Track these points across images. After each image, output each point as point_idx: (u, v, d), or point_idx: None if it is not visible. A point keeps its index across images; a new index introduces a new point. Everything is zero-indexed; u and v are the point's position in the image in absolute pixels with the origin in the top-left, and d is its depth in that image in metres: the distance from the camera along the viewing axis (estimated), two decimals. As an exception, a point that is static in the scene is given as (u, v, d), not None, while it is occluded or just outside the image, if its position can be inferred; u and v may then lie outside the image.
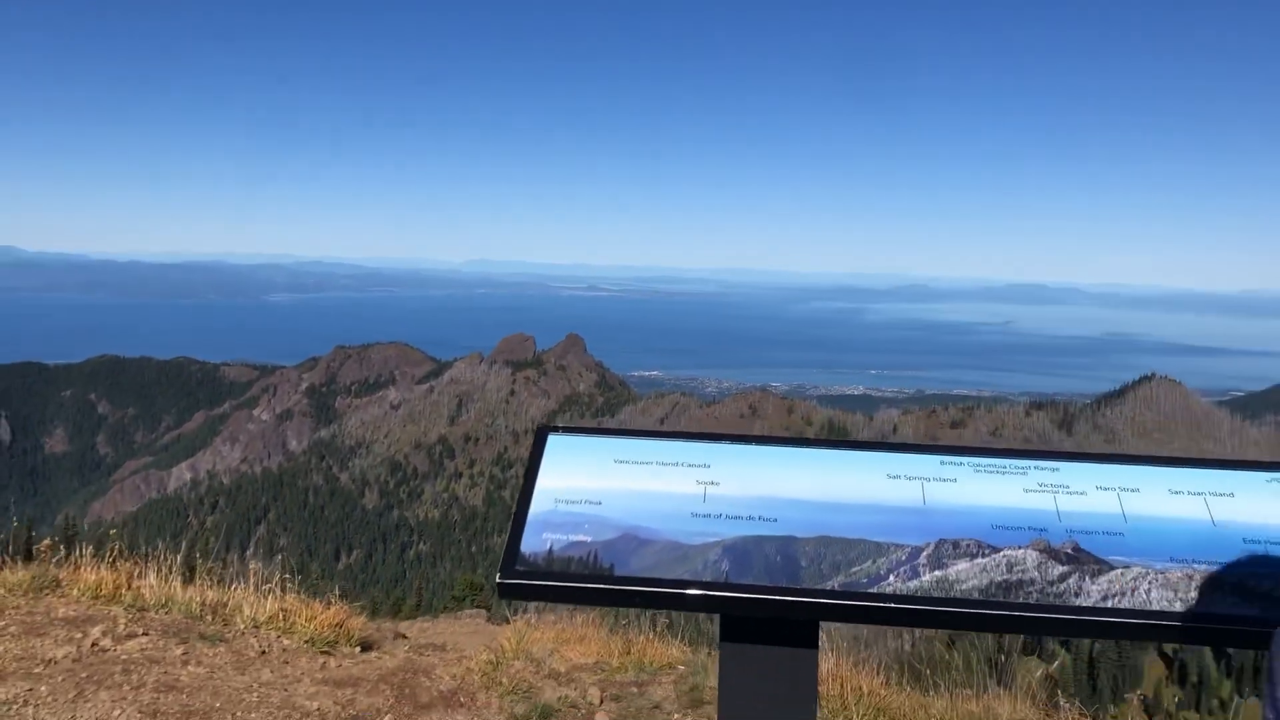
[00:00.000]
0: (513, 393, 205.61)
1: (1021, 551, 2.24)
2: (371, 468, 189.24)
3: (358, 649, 7.93)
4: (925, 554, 2.25)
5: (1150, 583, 2.16)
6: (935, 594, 2.16)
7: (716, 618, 2.41)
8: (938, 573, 2.21)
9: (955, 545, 2.27)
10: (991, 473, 2.44)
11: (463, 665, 7.03)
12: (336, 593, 8.24)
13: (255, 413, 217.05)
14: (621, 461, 2.49)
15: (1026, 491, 2.38)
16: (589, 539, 2.30)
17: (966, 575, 2.20)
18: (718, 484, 2.42)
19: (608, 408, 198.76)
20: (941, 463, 2.47)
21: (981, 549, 2.25)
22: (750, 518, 2.33)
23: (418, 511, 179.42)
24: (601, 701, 6.51)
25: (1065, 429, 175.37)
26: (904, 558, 2.24)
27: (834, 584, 2.19)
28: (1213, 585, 2.14)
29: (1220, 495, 2.34)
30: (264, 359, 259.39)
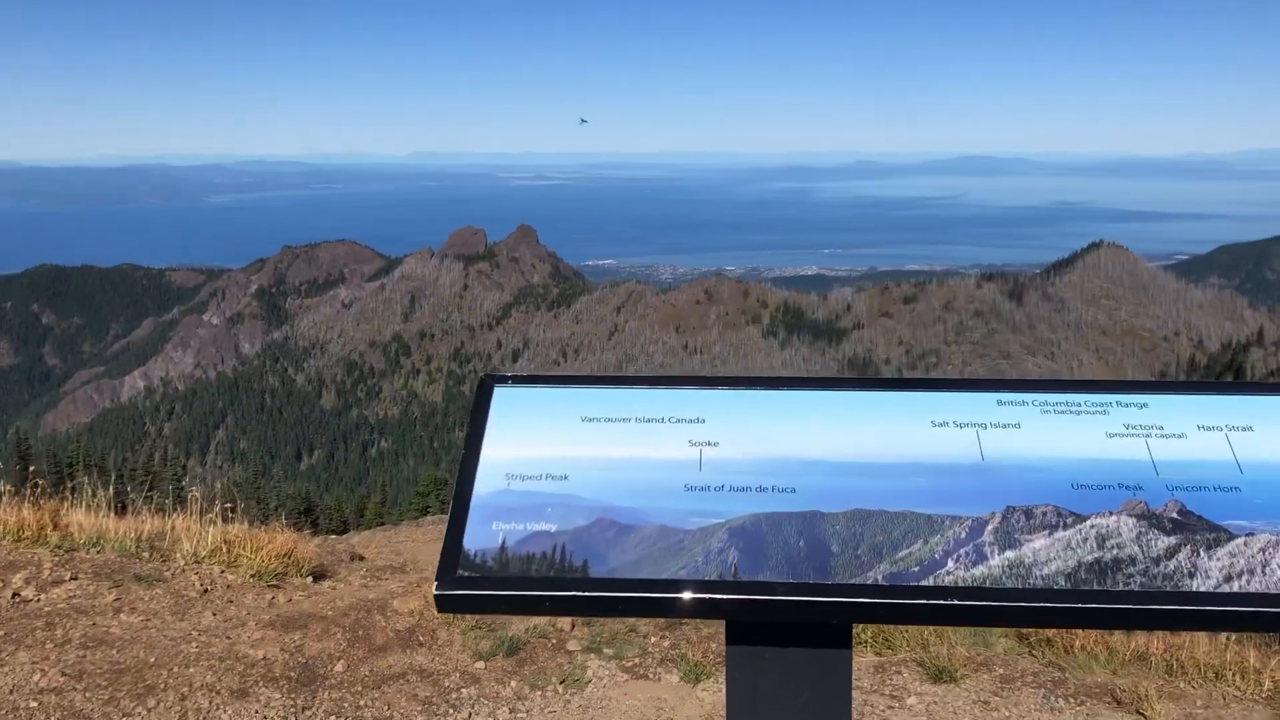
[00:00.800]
0: (466, 287, 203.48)
1: (1114, 519, 1.73)
2: (327, 368, 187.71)
3: (309, 579, 7.44)
4: (991, 528, 1.73)
5: (1284, 555, 1.66)
6: (1009, 583, 1.65)
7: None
8: (1009, 553, 1.69)
9: (1028, 514, 1.75)
10: (1063, 413, 1.91)
11: (421, 595, 6.57)
12: (284, 520, 7.69)
13: (205, 317, 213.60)
14: (591, 419, 1.93)
15: (1111, 436, 1.86)
16: (553, 528, 1.76)
17: (1046, 555, 1.69)
18: (717, 444, 1.88)
19: (563, 299, 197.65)
20: (999, 402, 1.94)
21: (1062, 518, 1.74)
22: (761, 489, 1.79)
23: (377, 410, 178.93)
24: (572, 627, 6.09)
25: (1016, 299, 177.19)
26: (964, 534, 1.72)
27: (877, 576, 1.67)
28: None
29: (1358, 430, 1.84)
30: (210, 262, 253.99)
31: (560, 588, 1.67)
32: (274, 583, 6.97)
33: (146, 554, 7.20)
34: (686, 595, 1.65)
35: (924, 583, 1.66)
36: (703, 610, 1.67)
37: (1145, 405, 1.91)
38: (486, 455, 1.87)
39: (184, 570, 6.90)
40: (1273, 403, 1.91)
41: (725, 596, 1.65)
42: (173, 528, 7.86)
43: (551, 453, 1.87)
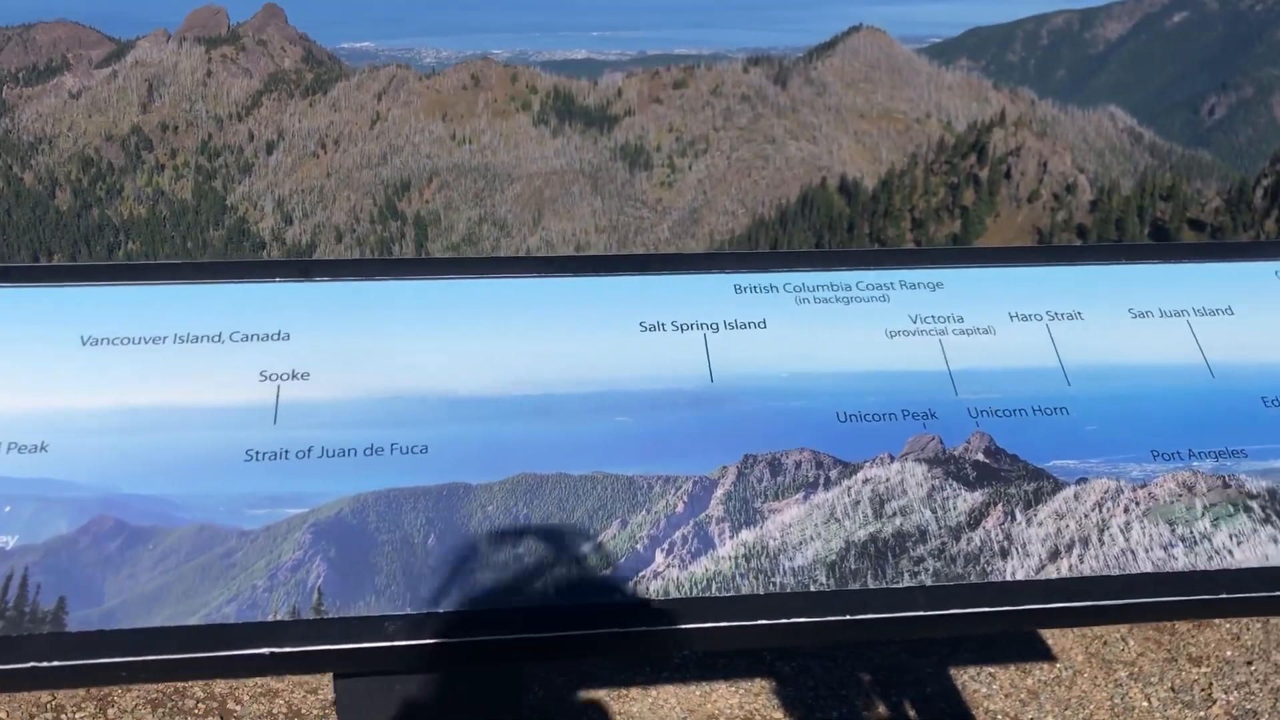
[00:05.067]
0: (209, 74, 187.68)
1: (895, 467, 1.17)
2: (59, 165, 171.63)
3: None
4: (720, 493, 1.15)
5: (1128, 508, 1.16)
6: (746, 585, 1.08)
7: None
8: (746, 534, 1.12)
9: (774, 467, 1.17)
10: (826, 301, 1.32)
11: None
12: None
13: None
14: (97, 341, 1.20)
15: (892, 336, 1.29)
16: (11, 541, 1.05)
17: (800, 534, 1.12)
18: (305, 376, 1.19)
19: (318, 85, 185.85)
20: (737, 289, 1.32)
21: (823, 470, 1.17)
22: (372, 450, 1.13)
23: (121, 210, 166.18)
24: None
25: (780, 83, 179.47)
26: (681, 507, 1.13)
27: (548, 587, 1.07)
28: (1239, 500, 1.16)
29: (1210, 313, 1.33)
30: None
31: (17, 655, 0.98)
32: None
33: None
34: (225, 653, 1.00)
35: (619, 596, 1.06)
36: (273, 667, 1.03)
37: (939, 285, 1.34)
38: (-95, 415, 1.12)
39: None
40: (1100, 275, 1.38)
41: (295, 650, 1.01)
42: None
43: (21, 405, 1.13)
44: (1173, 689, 3.17)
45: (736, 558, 1.10)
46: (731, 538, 1.11)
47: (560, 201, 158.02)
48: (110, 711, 3.24)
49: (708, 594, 1.07)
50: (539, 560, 1.08)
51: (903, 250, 1.37)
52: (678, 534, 1.11)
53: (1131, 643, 3.35)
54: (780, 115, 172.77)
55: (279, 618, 1.02)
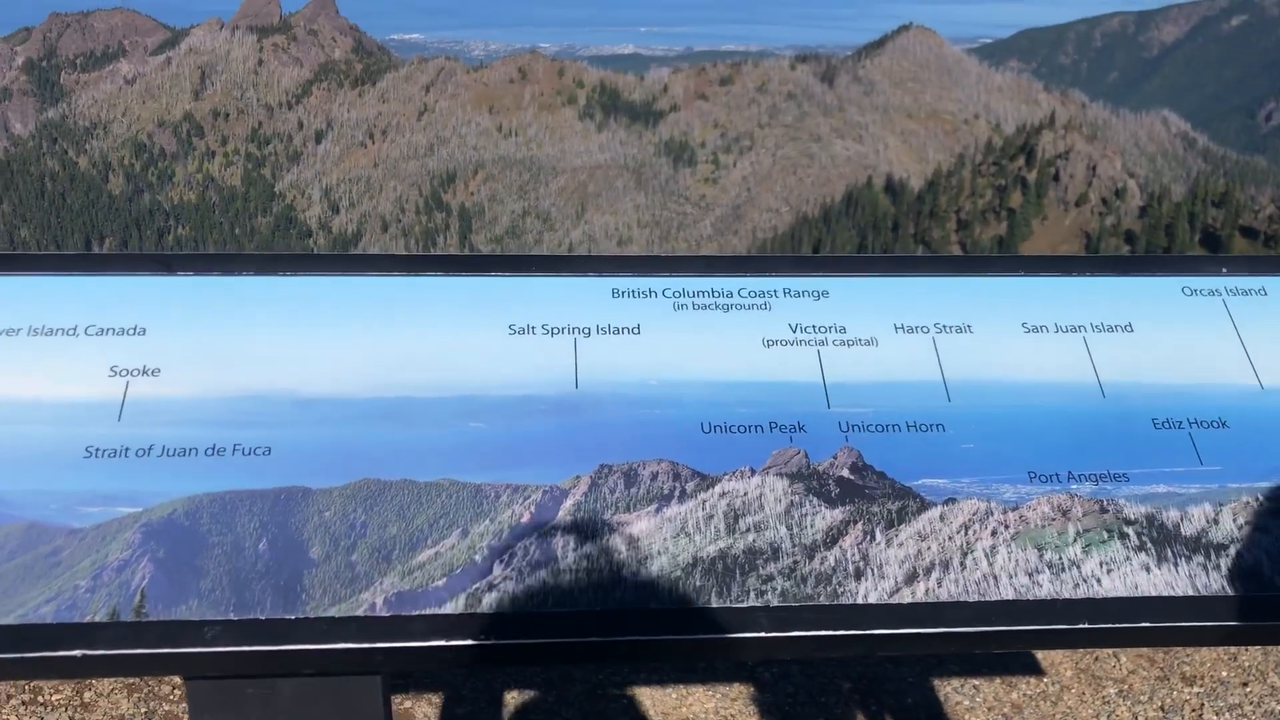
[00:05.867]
0: (261, 62, 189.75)
1: (755, 481, 1.14)
2: (113, 150, 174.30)
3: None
4: (570, 503, 1.12)
5: (996, 531, 1.12)
6: (584, 599, 1.05)
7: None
8: (590, 547, 1.09)
9: (629, 478, 1.14)
10: (705, 308, 1.28)
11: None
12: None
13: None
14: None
15: (768, 346, 1.24)
16: None
17: (648, 546, 1.09)
18: (156, 373, 1.17)
19: (367, 76, 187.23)
20: (615, 293, 1.29)
21: (680, 482, 1.13)
22: (214, 451, 1.11)
23: (171, 195, 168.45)
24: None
25: (828, 82, 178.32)
26: (528, 516, 1.10)
27: (375, 599, 1.04)
28: (1115, 526, 1.12)
29: (1108, 330, 1.28)
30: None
31: None
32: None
33: None
34: (36, 655, 0.98)
35: (447, 608, 1.04)
36: (74, 672, 1.01)
37: (825, 294, 1.29)
38: None
39: None
40: (992, 287, 1.32)
41: (109, 653, 0.99)
42: None
43: None
44: (1162, 708, 3.08)
45: (577, 570, 1.07)
46: (575, 550, 1.08)
47: (604, 196, 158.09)
48: (87, 695, 3.26)
49: (544, 609, 1.04)
50: (369, 568, 1.06)
51: (790, 257, 1.32)
52: (519, 545, 1.08)
53: (1123, 659, 3.27)
54: (827, 113, 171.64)
55: (97, 619, 1.01)
